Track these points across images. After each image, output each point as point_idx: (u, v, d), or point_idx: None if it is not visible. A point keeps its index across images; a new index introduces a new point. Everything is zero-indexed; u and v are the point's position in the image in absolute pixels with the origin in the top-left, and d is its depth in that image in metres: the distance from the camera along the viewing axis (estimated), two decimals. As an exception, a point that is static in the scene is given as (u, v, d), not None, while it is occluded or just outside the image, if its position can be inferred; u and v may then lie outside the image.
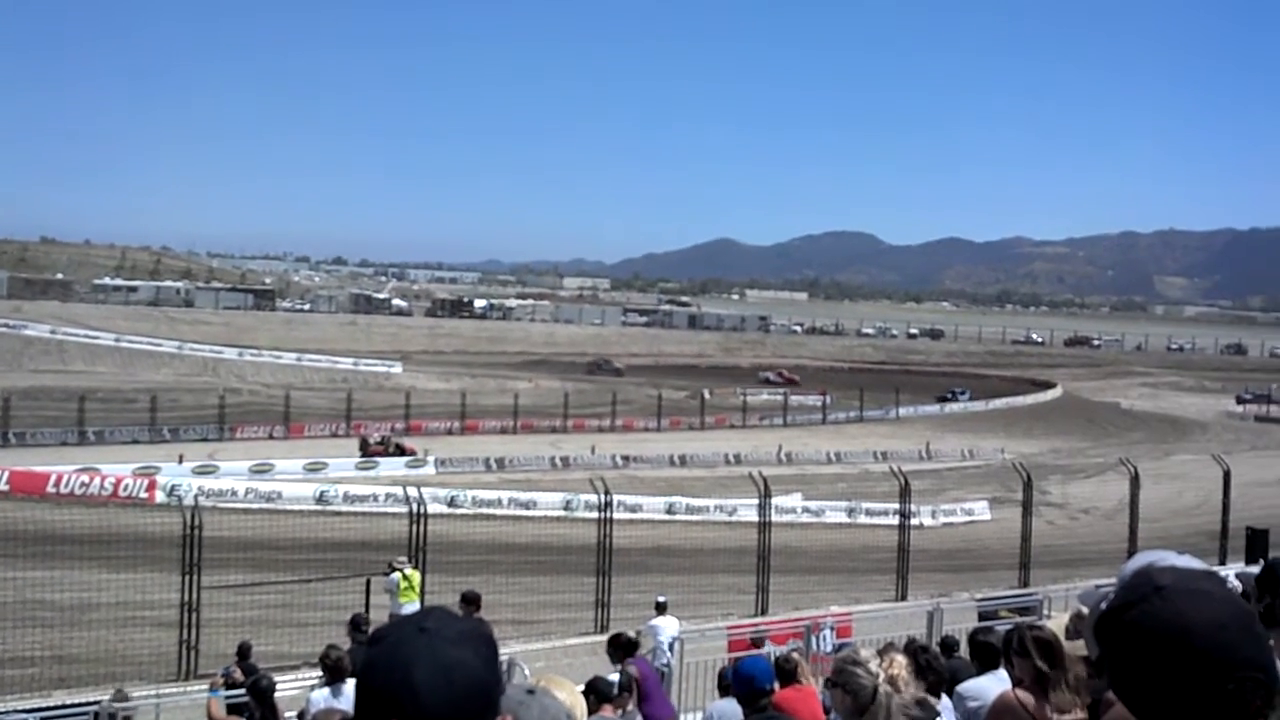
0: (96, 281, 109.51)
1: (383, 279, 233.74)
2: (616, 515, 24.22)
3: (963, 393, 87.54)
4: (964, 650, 10.46)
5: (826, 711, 6.52)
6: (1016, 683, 5.17)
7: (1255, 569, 3.19)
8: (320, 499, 37.09)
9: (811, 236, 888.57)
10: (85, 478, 37.31)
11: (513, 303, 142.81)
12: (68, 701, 13.45)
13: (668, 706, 12.10)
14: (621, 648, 12.08)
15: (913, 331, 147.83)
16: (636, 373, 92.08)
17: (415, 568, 18.67)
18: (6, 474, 37.11)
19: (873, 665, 4.37)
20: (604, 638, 17.77)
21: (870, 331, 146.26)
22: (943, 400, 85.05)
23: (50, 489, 36.18)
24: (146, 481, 37.80)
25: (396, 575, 17.71)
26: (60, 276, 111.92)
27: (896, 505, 27.19)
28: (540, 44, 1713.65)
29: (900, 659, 4.44)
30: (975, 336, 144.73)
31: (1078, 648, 4.85)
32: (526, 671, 12.11)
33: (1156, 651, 1.58)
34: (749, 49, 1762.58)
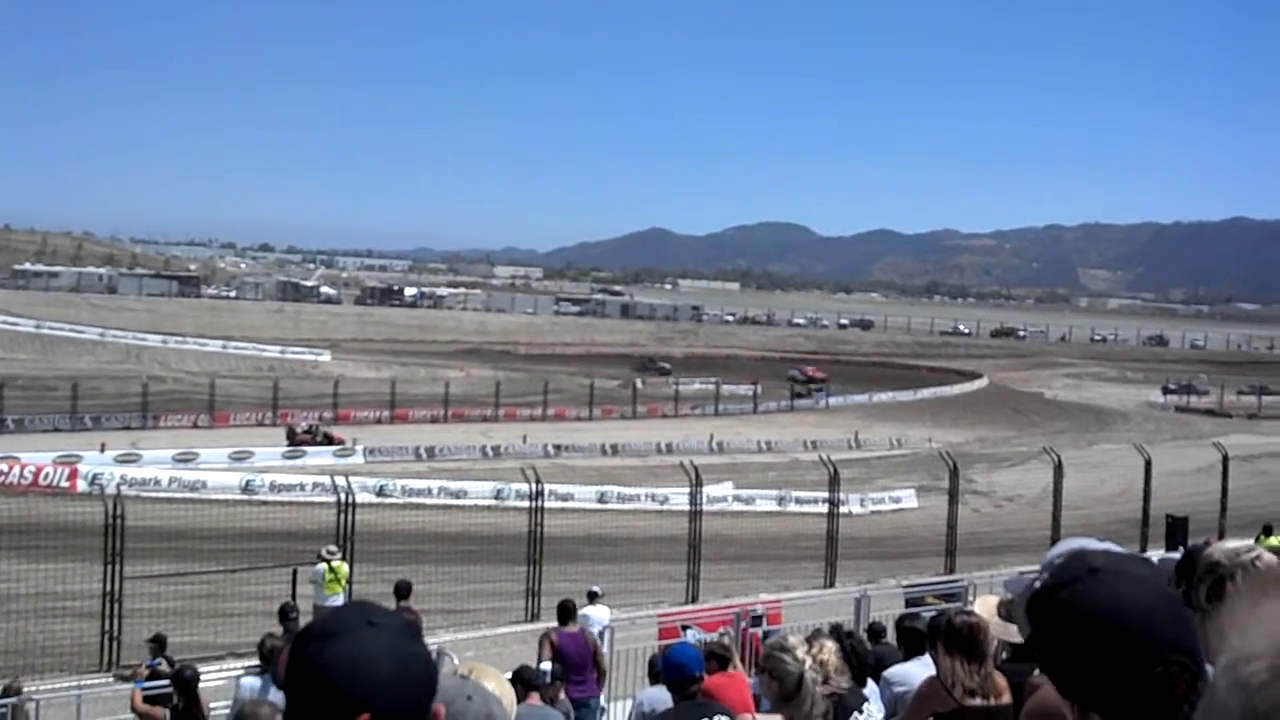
0: (16, 267, 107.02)
1: (311, 266, 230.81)
2: (548, 504, 24.23)
3: (819, 389, 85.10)
4: (891, 637, 10.61)
5: (757, 699, 6.56)
6: (941, 669, 5.25)
7: (1175, 556, 3.27)
8: (246, 488, 36.56)
9: (744, 227, 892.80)
10: (4, 466, 36.47)
11: (444, 291, 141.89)
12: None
13: (591, 686, 12.22)
14: (559, 613, 12.69)
15: (843, 322, 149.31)
16: (566, 361, 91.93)
17: (343, 560, 18.49)
18: (-78, 462, 36.20)
19: (799, 652, 4.41)
20: (534, 627, 17.82)
21: (801, 322, 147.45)
22: (797, 395, 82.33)
23: (-33, 478, 35.32)
24: (68, 470, 37.02)
25: (322, 567, 17.52)
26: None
27: (826, 494, 27.47)
28: (473, 30, 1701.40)
29: (830, 645, 4.49)
30: (904, 327, 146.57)
31: (1006, 630, 4.94)
32: (455, 660, 12.07)
33: (1087, 631, 1.60)
34: (682, 37, 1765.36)
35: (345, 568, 18.08)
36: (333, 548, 18.62)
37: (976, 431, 66.76)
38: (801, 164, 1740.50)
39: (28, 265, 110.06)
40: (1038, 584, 1.74)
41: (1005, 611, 4.92)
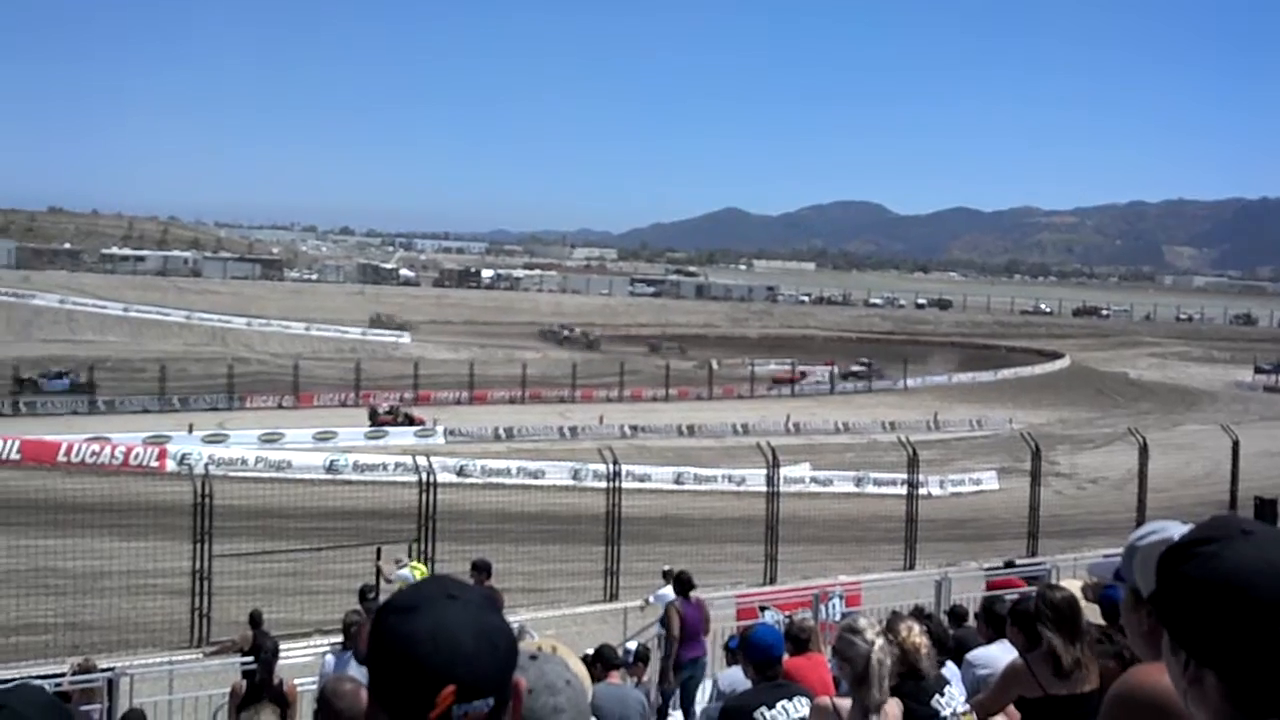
0: (104, 251, 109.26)
1: (390, 249, 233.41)
2: (625, 485, 24.35)
3: (869, 363, 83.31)
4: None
5: (836, 681, 6.57)
6: (1021, 650, 5.21)
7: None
8: (330, 468, 37.24)
9: (820, 206, 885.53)
10: (96, 447, 37.53)
11: (520, 273, 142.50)
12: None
13: (703, 647, 12.94)
14: (678, 585, 13.26)
15: (921, 301, 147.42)
16: (643, 343, 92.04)
17: (423, 564, 18.69)
18: (18, 443, 37.33)
19: (869, 634, 4.42)
20: (612, 606, 17.95)
21: (878, 302, 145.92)
22: (849, 375, 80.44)
23: (61, 458, 36.38)
24: (157, 450, 37.99)
25: (408, 571, 17.67)
26: (68, 246, 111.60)
27: (904, 475, 27.26)
28: (550, 12, 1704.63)
29: (917, 628, 4.48)
30: (983, 306, 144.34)
31: (1090, 613, 4.89)
32: (535, 637, 12.22)
33: (1231, 589, 1.59)
34: (758, 20, 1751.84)
35: (426, 571, 18.28)
36: (402, 558, 18.87)
37: (1059, 412, 65.73)
38: (878, 142, 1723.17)
39: (115, 249, 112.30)
40: (1177, 537, 1.74)
41: (1092, 595, 4.87)
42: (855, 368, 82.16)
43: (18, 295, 78.00)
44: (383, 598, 14.66)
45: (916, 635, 4.48)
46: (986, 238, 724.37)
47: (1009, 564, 18.49)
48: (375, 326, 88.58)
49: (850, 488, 38.15)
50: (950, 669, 6.35)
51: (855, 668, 4.33)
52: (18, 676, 13.15)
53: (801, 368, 78.63)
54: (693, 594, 13.26)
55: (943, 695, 4.93)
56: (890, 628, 4.54)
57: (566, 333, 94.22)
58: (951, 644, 7.92)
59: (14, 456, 36.46)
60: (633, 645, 11.83)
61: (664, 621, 13.18)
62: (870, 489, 37.43)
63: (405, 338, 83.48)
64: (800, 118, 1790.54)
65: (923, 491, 28.56)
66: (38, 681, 12.56)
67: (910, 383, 78.79)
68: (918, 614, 9.21)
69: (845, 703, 4.50)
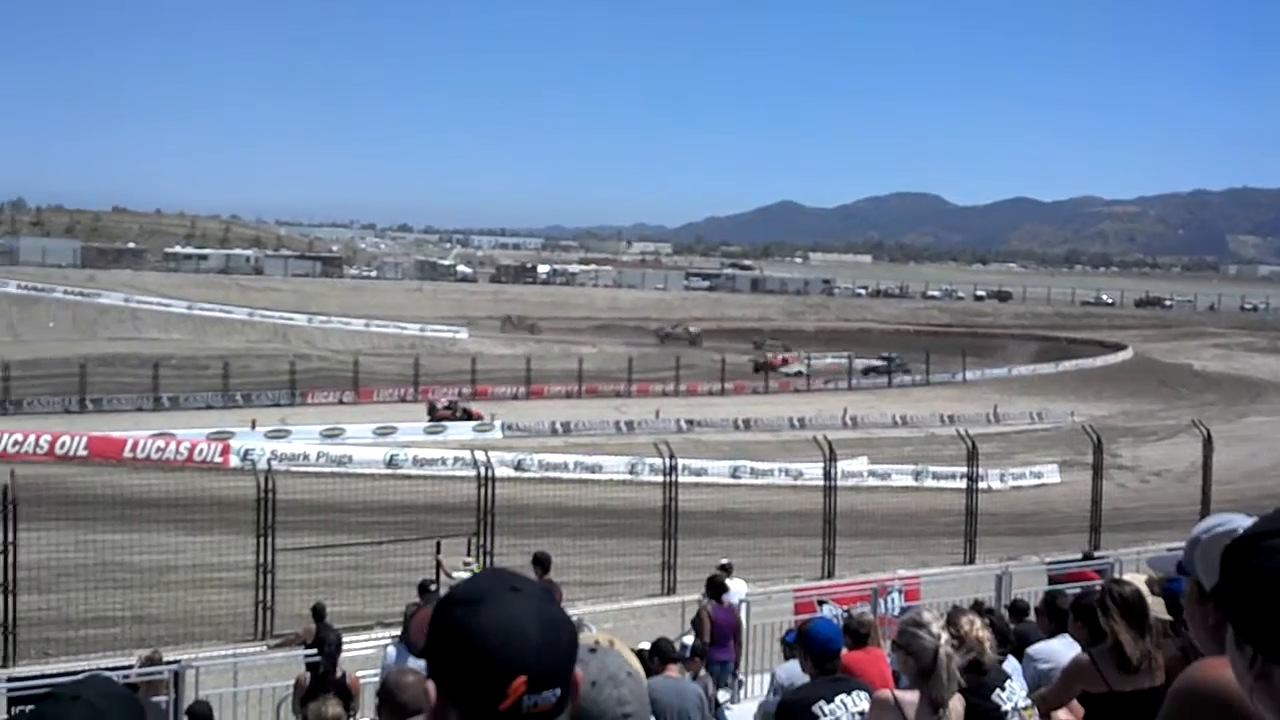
0: (168, 250, 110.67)
1: (447, 245, 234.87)
2: (681, 479, 24.35)
3: (892, 358, 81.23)
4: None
5: (895, 675, 6.55)
6: (1084, 644, 5.16)
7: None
8: (390, 463, 37.63)
9: (876, 198, 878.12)
10: (161, 443, 38.19)
11: (576, 268, 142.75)
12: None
13: (730, 652, 13.44)
14: (711, 589, 13.78)
15: (980, 293, 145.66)
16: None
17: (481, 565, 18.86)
18: (85, 439, 38.09)
19: (934, 627, 4.40)
20: (670, 600, 17.98)
21: (936, 294, 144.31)
22: (869, 371, 77.48)
23: (127, 454, 37.07)
24: (221, 446, 38.58)
25: (468, 573, 17.81)
26: (132, 245, 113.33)
27: (964, 469, 27.02)
28: (603, 8, 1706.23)
29: (979, 621, 4.46)
30: (1044, 298, 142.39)
31: (1156, 607, 4.83)
32: (593, 630, 12.29)
33: None
34: (812, 13, 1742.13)
35: None
36: (469, 558, 19.04)
37: (1121, 404, 64.85)
38: (934, 132, 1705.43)
39: (178, 248, 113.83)
40: (1242, 530, 1.72)
41: (1157, 589, 4.81)
42: (876, 362, 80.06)
43: (84, 294, 79.41)
44: (442, 592, 14.84)
45: (979, 629, 4.45)
46: (1046, 228, 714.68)
47: (1088, 555, 18.27)
48: (506, 328, 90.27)
49: (908, 481, 37.92)
50: (1011, 663, 6.31)
51: (921, 661, 4.32)
52: (86, 668, 13.42)
53: (783, 354, 76.60)
54: (724, 599, 13.62)
55: (1004, 689, 4.90)
56: (952, 621, 4.52)
57: (670, 329, 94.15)
58: (1013, 638, 7.87)
59: (81, 453, 37.19)
60: (689, 639, 11.86)
61: (695, 623, 13.47)
62: (929, 483, 37.17)
63: (462, 333, 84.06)
64: (856, 109, 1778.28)
65: (982, 485, 28.28)
66: (108, 673, 12.84)
67: (969, 375, 78.05)
68: (978, 608, 9.15)
69: (907, 696, 4.49)
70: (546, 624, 1.68)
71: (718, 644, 13.19)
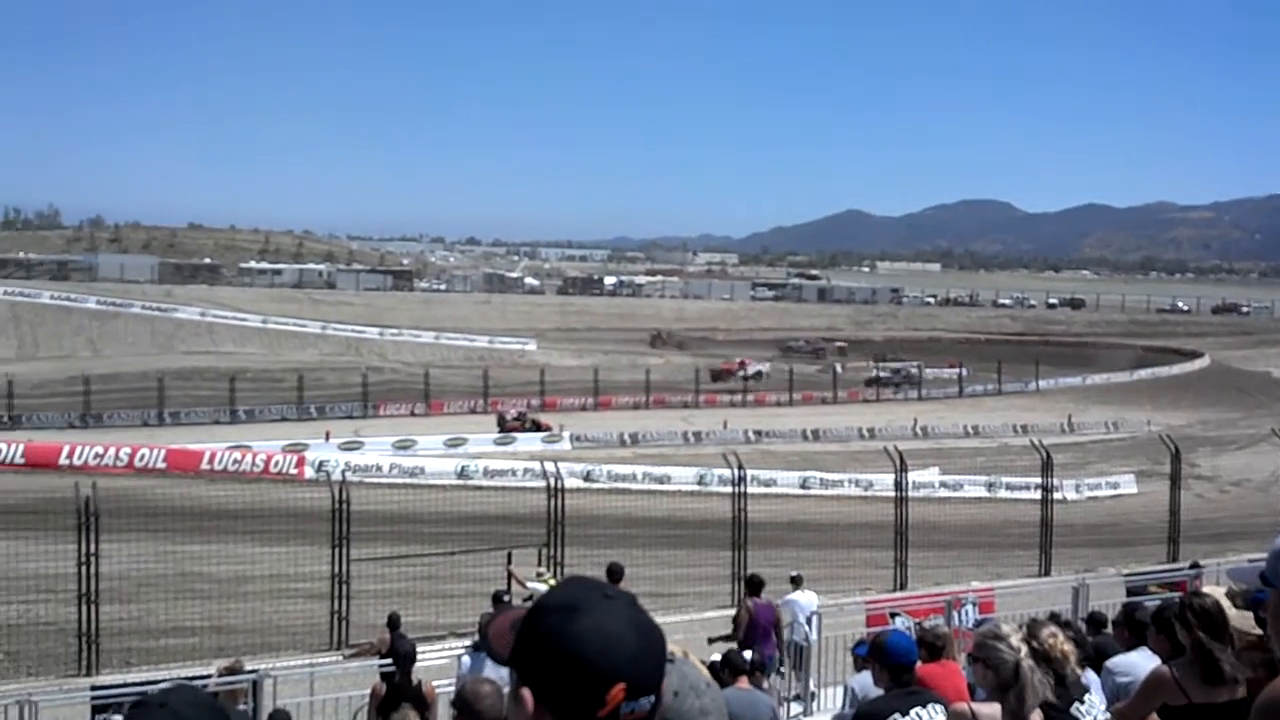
0: (242, 265, 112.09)
1: (515, 258, 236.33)
2: (750, 490, 24.30)
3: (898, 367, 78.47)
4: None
5: (971, 688, 6.49)
6: (1165, 657, 5.09)
7: None
8: (461, 474, 37.93)
9: (944, 206, 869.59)
10: (237, 455, 38.80)
11: (642, 279, 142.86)
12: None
13: (772, 647, 13.75)
14: (750, 586, 14.45)
15: (1052, 301, 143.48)
16: (765, 347, 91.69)
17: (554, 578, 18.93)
18: (163, 452, 38.82)
19: (1014, 640, 4.37)
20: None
21: (1007, 302, 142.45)
22: (874, 382, 74.35)
23: (204, 466, 37.73)
24: (295, 458, 39.14)
25: (542, 585, 17.87)
26: (208, 261, 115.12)
27: (1038, 479, 26.66)
28: (668, 21, 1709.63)
29: (1061, 634, 4.41)
30: (1118, 305, 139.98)
31: (1244, 620, 4.75)
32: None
33: None
34: (876, 21, 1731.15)
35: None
36: (543, 569, 19.14)
37: (1199, 413, 63.51)
38: (1003, 138, 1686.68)
39: (253, 263, 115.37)
40: None
41: (1241, 601, 4.74)
42: (881, 373, 76.47)
43: (161, 309, 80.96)
44: (515, 602, 14.94)
45: (1063, 641, 4.40)
46: (1120, 235, 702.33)
47: (1195, 565, 17.88)
48: (655, 344, 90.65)
49: (981, 492, 37.46)
50: (1090, 676, 6.24)
51: (1001, 674, 4.28)
52: (166, 678, 13.68)
53: (740, 358, 75.00)
54: (762, 595, 14.10)
55: (1083, 703, 4.85)
56: (1033, 633, 4.47)
57: (797, 343, 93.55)
58: (1090, 651, 7.77)
59: (160, 465, 37.93)
60: (749, 653, 11.84)
61: (735, 620, 13.95)
62: (1002, 493, 36.69)
63: (531, 345, 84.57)
64: (923, 116, 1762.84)
65: (1057, 496, 27.89)
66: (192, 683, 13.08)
67: (1042, 384, 77.00)
68: (1056, 620, 9.04)
69: (985, 709, 4.46)
70: (641, 631, 1.70)
71: (759, 640, 13.46)
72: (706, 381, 69.30)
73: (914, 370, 77.28)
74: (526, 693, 1.69)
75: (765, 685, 11.25)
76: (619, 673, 1.65)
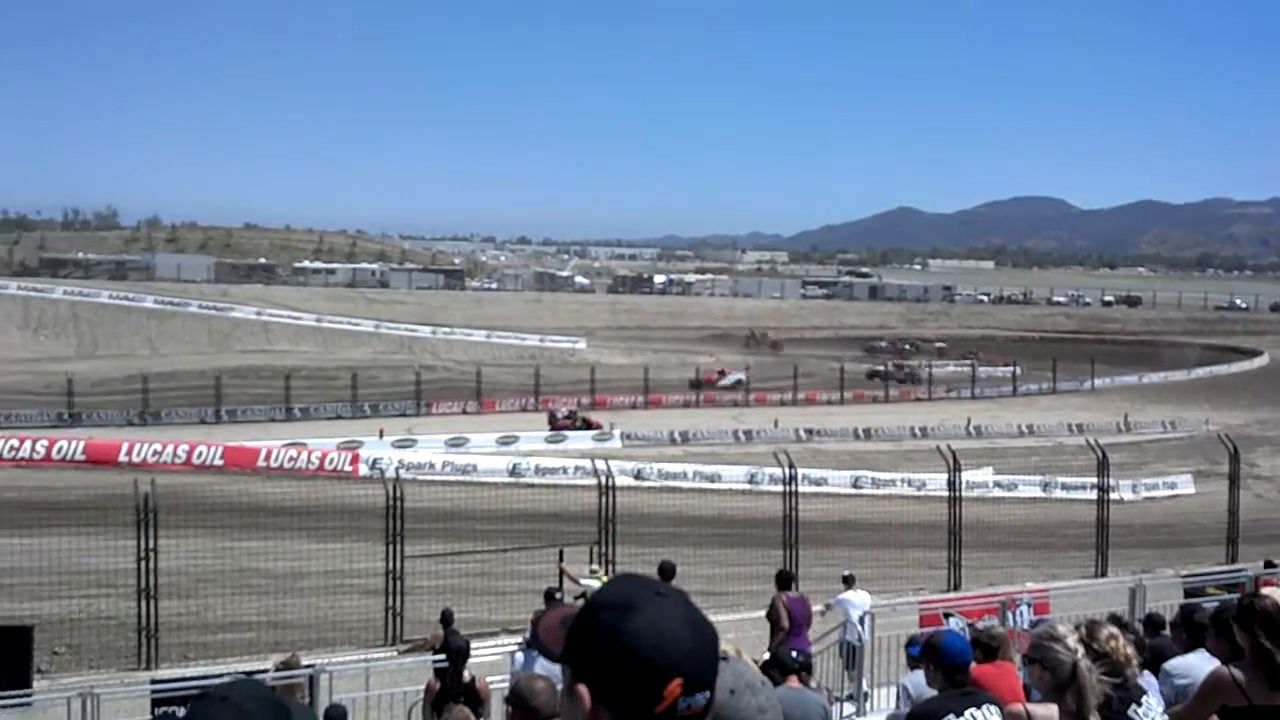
0: (297, 265, 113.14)
1: (565, 257, 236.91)
2: (801, 488, 24.23)
3: (903, 364, 78.42)
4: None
5: (1026, 688, 6.46)
6: (1224, 659, 5.04)
7: None
8: (513, 471, 38.17)
9: (997, 202, 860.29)
10: (293, 452, 39.24)
11: (691, 278, 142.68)
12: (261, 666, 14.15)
13: (805, 640, 13.70)
14: (780, 580, 14.43)
15: (1107, 299, 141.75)
16: (816, 345, 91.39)
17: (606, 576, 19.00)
18: (220, 449, 39.33)
19: (1070, 640, 4.34)
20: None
21: (1062, 300, 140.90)
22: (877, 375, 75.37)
23: (261, 463, 38.19)
24: (350, 455, 39.51)
25: (595, 582, 17.93)
26: (263, 261, 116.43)
27: (1094, 479, 26.39)
28: (714, 19, 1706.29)
29: (1122, 636, 4.38)
30: (1175, 303, 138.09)
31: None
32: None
33: None
34: (926, 14, 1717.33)
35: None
36: (596, 567, 19.20)
37: (1258, 413, 62.46)
38: (1057, 134, 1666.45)
39: (307, 263, 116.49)
40: None
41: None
42: (878, 366, 76.95)
43: (217, 308, 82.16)
44: (568, 600, 15.03)
45: (1123, 643, 4.37)
46: (1176, 231, 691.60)
47: (1270, 564, 17.58)
48: (748, 345, 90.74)
49: (1036, 492, 37.13)
50: (1147, 678, 6.18)
51: (1058, 675, 4.26)
52: (224, 672, 13.89)
53: (720, 367, 73.68)
54: (794, 589, 14.30)
55: (1140, 705, 4.81)
56: (1091, 635, 4.44)
57: (877, 344, 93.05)
58: (1147, 653, 7.69)
59: (217, 462, 38.44)
60: (794, 653, 11.82)
61: (770, 615, 13.85)
62: (1057, 493, 36.39)
63: (581, 343, 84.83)
64: (975, 111, 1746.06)
65: (1114, 496, 27.58)
66: (242, 676, 13.26)
67: (1098, 383, 76.12)
68: (1115, 621, 8.96)
69: (1041, 711, 4.44)
70: (695, 627, 1.72)
71: (793, 634, 13.46)
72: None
73: (917, 365, 77.31)
74: (583, 689, 1.70)
75: (814, 684, 11.23)
76: (675, 668, 1.66)
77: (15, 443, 39.20)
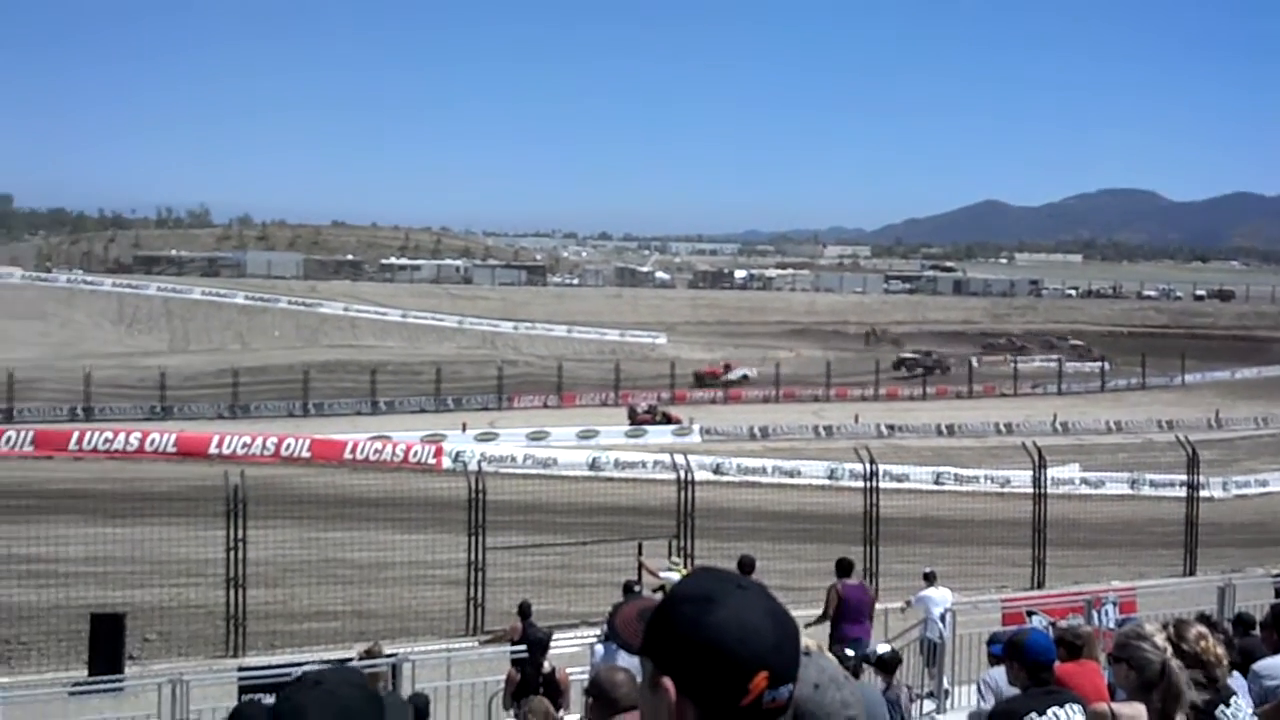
0: (383, 261, 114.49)
1: (646, 252, 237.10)
2: (882, 484, 24.04)
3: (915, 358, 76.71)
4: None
5: (1110, 688, 6.37)
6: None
7: None
8: (593, 465, 38.38)
9: (1085, 195, 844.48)
10: (378, 445, 39.85)
11: (772, 272, 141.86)
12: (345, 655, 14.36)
13: (866, 630, 13.71)
14: (840, 568, 14.44)
15: (1199, 293, 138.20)
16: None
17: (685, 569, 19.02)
18: (308, 441, 40.06)
19: (1158, 639, 4.27)
20: (876, 608, 17.74)
21: (1152, 294, 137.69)
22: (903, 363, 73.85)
23: (347, 455, 38.87)
24: (434, 448, 40.01)
25: (676, 574, 17.95)
26: (350, 257, 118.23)
27: (1183, 476, 25.87)
28: (799, 15, 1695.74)
29: (1212, 636, 4.30)
30: (1268, 297, 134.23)
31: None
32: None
33: None
34: (1012, 7, 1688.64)
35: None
36: (676, 559, 19.21)
37: (1356, 409, 60.68)
38: (1147, 125, 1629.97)
39: (393, 259, 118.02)
40: None
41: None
42: (909, 356, 76.23)
43: (306, 304, 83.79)
44: (646, 593, 15.08)
45: (1213, 643, 4.28)
46: (1270, 223, 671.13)
47: None
48: (868, 342, 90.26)
49: (1123, 490, 36.48)
50: (1236, 679, 6.06)
51: (1146, 675, 4.19)
52: (310, 660, 14.15)
53: (725, 360, 72.43)
54: (853, 577, 14.27)
55: (1229, 706, 4.72)
56: (1180, 634, 4.36)
57: (999, 340, 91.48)
58: (1236, 653, 7.53)
59: (305, 454, 39.15)
60: (883, 648, 11.71)
61: (826, 602, 14.01)
62: (1145, 491, 35.71)
63: (661, 338, 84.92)
64: (1062, 102, 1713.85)
65: (1203, 494, 26.99)
66: (325, 665, 13.50)
67: (1189, 379, 74.45)
68: (1205, 621, 8.79)
69: (1126, 710, 4.37)
70: (777, 620, 1.71)
71: (851, 620, 13.48)
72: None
73: (940, 358, 75.88)
74: (668, 682, 1.69)
75: (894, 681, 11.14)
76: (761, 661, 1.66)
77: (109, 435, 40.26)
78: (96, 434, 40.41)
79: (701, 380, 67.04)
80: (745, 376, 67.77)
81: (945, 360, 74.90)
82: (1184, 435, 28.73)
